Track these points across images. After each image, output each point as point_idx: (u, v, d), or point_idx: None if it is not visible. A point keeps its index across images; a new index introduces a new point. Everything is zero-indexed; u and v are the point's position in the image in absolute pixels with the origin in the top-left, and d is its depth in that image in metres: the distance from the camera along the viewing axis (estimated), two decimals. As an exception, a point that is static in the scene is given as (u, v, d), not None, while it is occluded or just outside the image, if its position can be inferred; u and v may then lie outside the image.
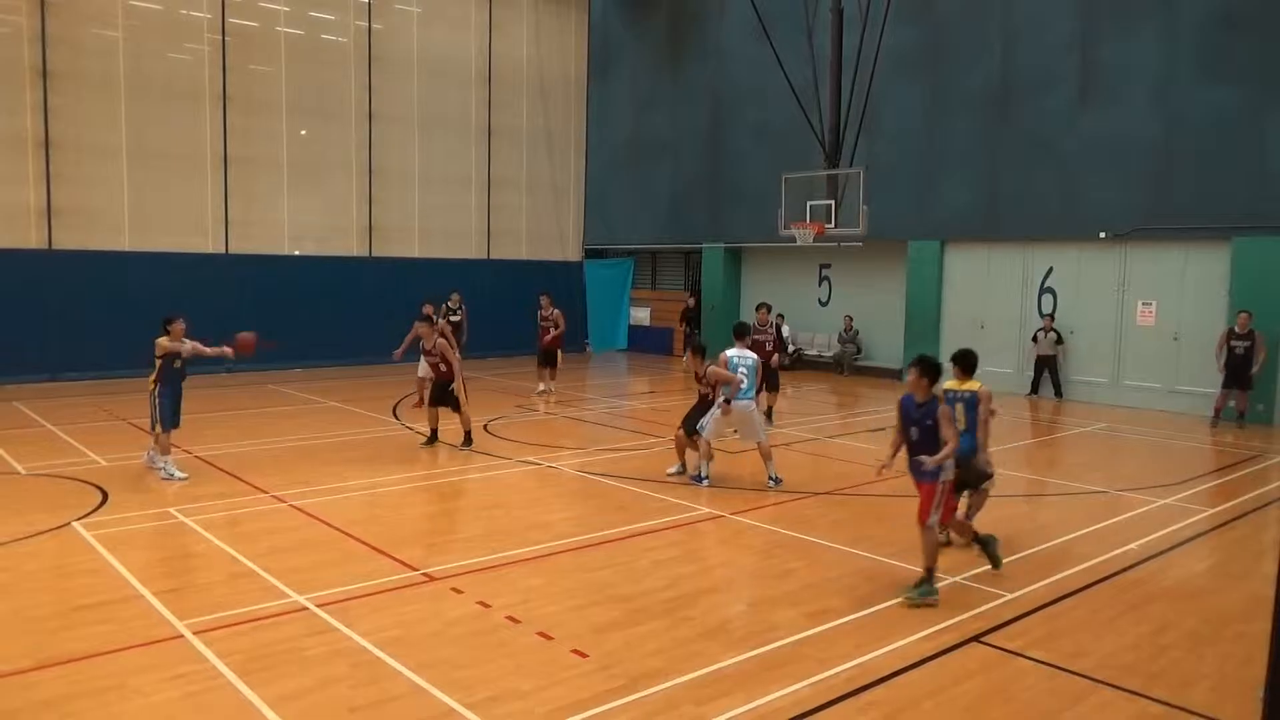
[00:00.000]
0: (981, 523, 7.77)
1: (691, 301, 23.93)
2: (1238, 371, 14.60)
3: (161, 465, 10.06)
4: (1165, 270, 16.26)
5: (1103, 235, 16.60)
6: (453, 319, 18.31)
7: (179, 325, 10.45)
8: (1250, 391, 14.64)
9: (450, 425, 12.24)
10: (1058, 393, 17.43)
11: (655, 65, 24.86)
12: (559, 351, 17.35)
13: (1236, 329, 14.62)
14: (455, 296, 18.67)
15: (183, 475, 9.95)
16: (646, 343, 25.88)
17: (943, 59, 18.84)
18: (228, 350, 10.65)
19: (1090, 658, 5.67)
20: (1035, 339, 17.55)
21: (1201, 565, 7.79)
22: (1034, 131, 17.42)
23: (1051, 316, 17.49)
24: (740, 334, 10.45)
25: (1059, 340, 17.33)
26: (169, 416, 10.02)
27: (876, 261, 20.74)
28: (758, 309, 14.24)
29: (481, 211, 23.99)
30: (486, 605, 6.34)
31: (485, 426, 13.43)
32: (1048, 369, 17.49)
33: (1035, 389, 17.72)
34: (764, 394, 13.25)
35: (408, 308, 21.53)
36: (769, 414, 13.63)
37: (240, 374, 19.18)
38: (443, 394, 11.85)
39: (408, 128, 22.35)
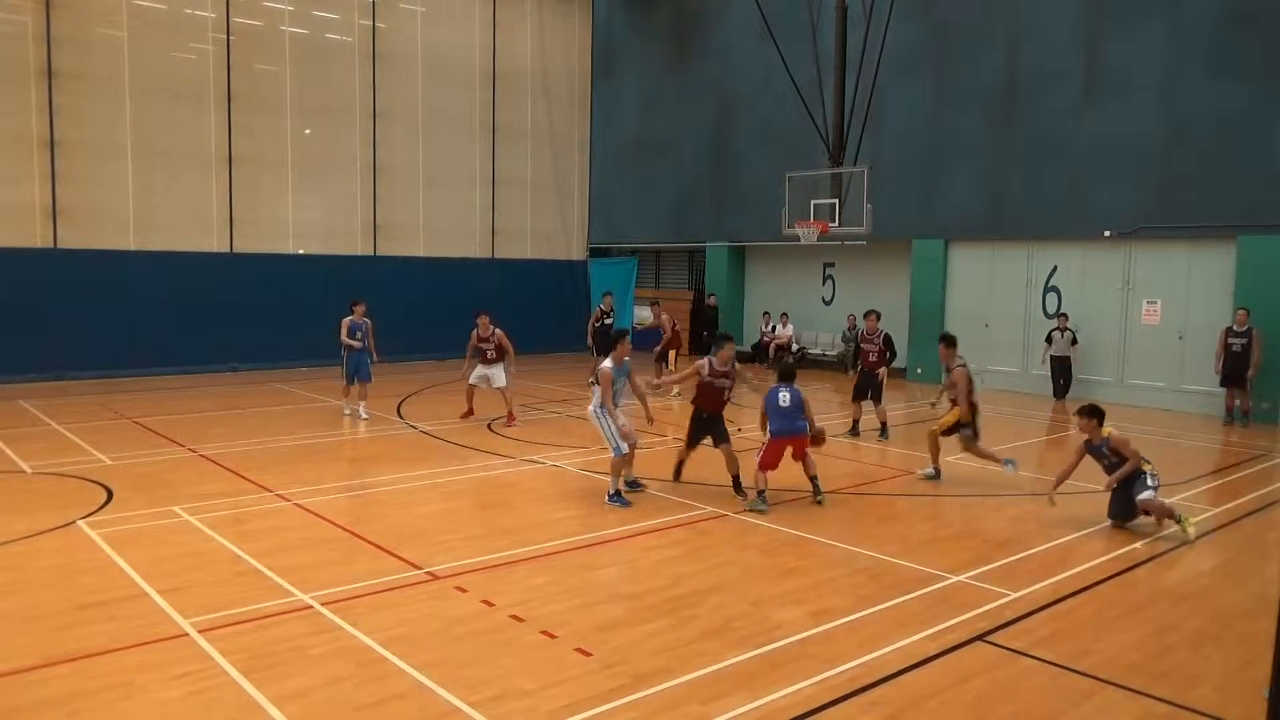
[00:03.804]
0: (987, 520, 7.74)
1: (712, 300, 23.61)
2: (1235, 369, 14.57)
3: (352, 410, 13.92)
4: (1170, 269, 16.22)
5: (1107, 234, 16.56)
6: (607, 321, 17.88)
7: (362, 306, 14.08)
8: (1247, 390, 14.63)
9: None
10: (1062, 393, 17.18)
11: (659, 64, 24.86)
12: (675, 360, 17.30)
13: (1235, 326, 14.59)
14: (608, 299, 18.36)
15: (366, 416, 13.82)
16: (650, 342, 25.87)
17: (947, 57, 18.81)
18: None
19: (1094, 657, 5.66)
20: (1049, 339, 17.10)
21: (1206, 565, 7.76)
22: (1039, 130, 17.39)
23: (1065, 315, 17.10)
24: (614, 343, 9.60)
25: (1074, 340, 16.92)
26: (349, 375, 13.72)
27: (881, 260, 20.72)
28: (867, 315, 13.45)
29: (486, 210, 24.01)
30: (490, 604, 6.34)
31: (489, 425, 13.44)
32: (1061, 370, 17.05)
33: (1058, 392, 17.17)
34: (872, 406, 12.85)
35: (412, 306, 21.79)
36: (883, 429, 12.89)
37: (244, 373, 19.25)
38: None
39: (412, 126, 22.36)
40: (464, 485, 10.11)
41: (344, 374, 13.88)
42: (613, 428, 9.18)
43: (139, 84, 18.49)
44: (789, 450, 9.28)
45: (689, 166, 24.17)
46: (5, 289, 17.14)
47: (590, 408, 9.47)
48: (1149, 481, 8.39)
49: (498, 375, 13.74)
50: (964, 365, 10.40)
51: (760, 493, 9.05)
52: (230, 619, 5.99)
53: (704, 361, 9.69)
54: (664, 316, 17.81)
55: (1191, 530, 8.29)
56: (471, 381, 13.83)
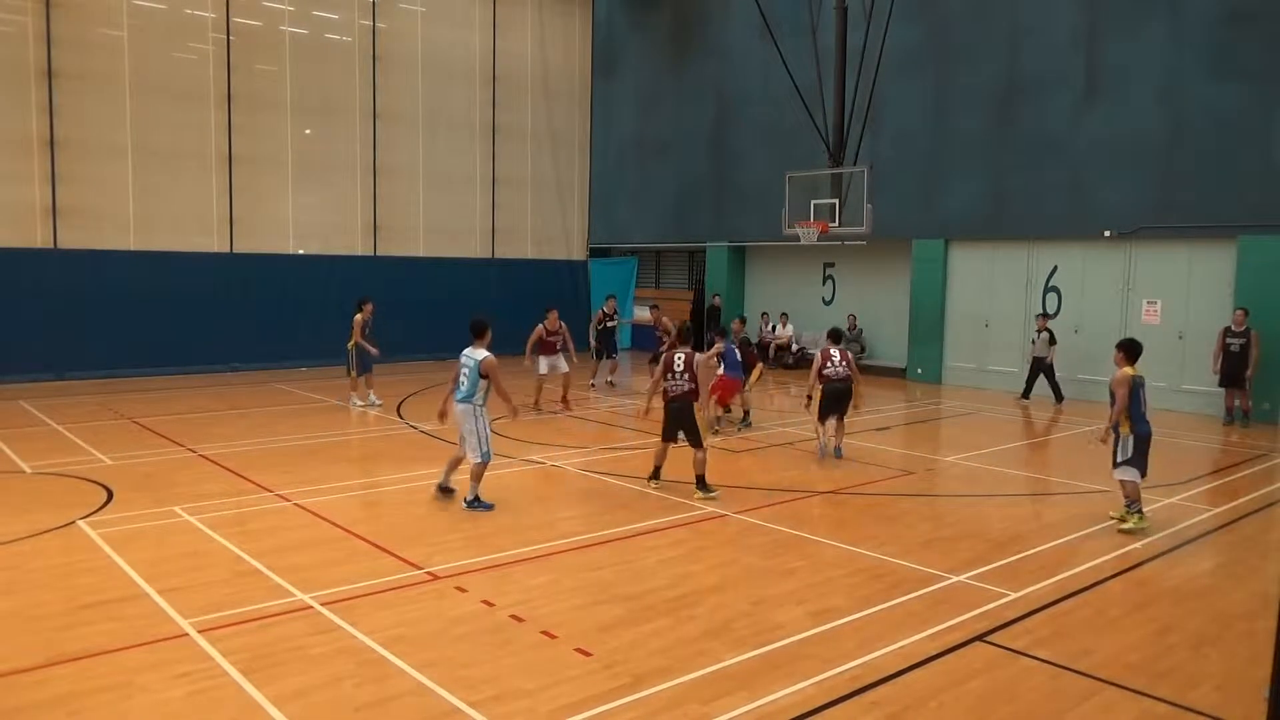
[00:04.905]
0: (987, 520, 7.73)
1: (717, 300, 23.24)
2: (1233, 369, 14.57)
3: (365, 403, 14.90)
4: (1170, 269, 16.22)
5: (1107, 234, 16.55)
6: (610, 324, 18.03)
7: (370, 306, 15.01)
8: (1246, 390, 14.62)
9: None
10: (1057, 396, 16.67)
11: (659, 64, 24.86)
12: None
13: (1233, 326, 14.59)
14: (611, 301, 18.47)
15: (362, 405, 14.79)
16: (650, 342, 25.89)
17: (947, 57, 18.81)
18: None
19: (1095, 657, 5.66)
20: (1034, 340, 16.85)
21: (1207, 564, 7.77)
22: (1039, 130, 17.38)
23: (1045, 316, 16.85)
24: (479, 333, 9.02)
25: (1052, 341, 16.51)
26: (359, 366, 14.71)
27: (881, 260, 20.72)
28: (734, 321, 15.81)
29: (486, 210, 24.01)
30: (490, 604, 6.34)
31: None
32: (1043, 372, 16.58)
33: (1027, 393, 16.87)
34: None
35: (412, 306, 21.80)
36: (745, 415, 13.93)
37: (245, 373, 19.25)
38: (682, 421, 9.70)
39: (412, 127, 22.37)
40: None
41: (356, 367, 14.75)
42: (488, 431, 8.89)
43: (139, 84, 18.49)
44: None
45: (689, 166, 24.17)
46: (5, 289, 17.14)
47: (471, 402, 8.73)
48: (1117, 455, 8.31)
49: (562, 362, 15.21)
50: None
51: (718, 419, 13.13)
52: (230, 619, 5.99)
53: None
54: (665, 320, 17.61)
55: (1130, 526, 8.31)
56: (543, 372, 15.06)
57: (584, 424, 14.23)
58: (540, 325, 15.07)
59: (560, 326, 15.18)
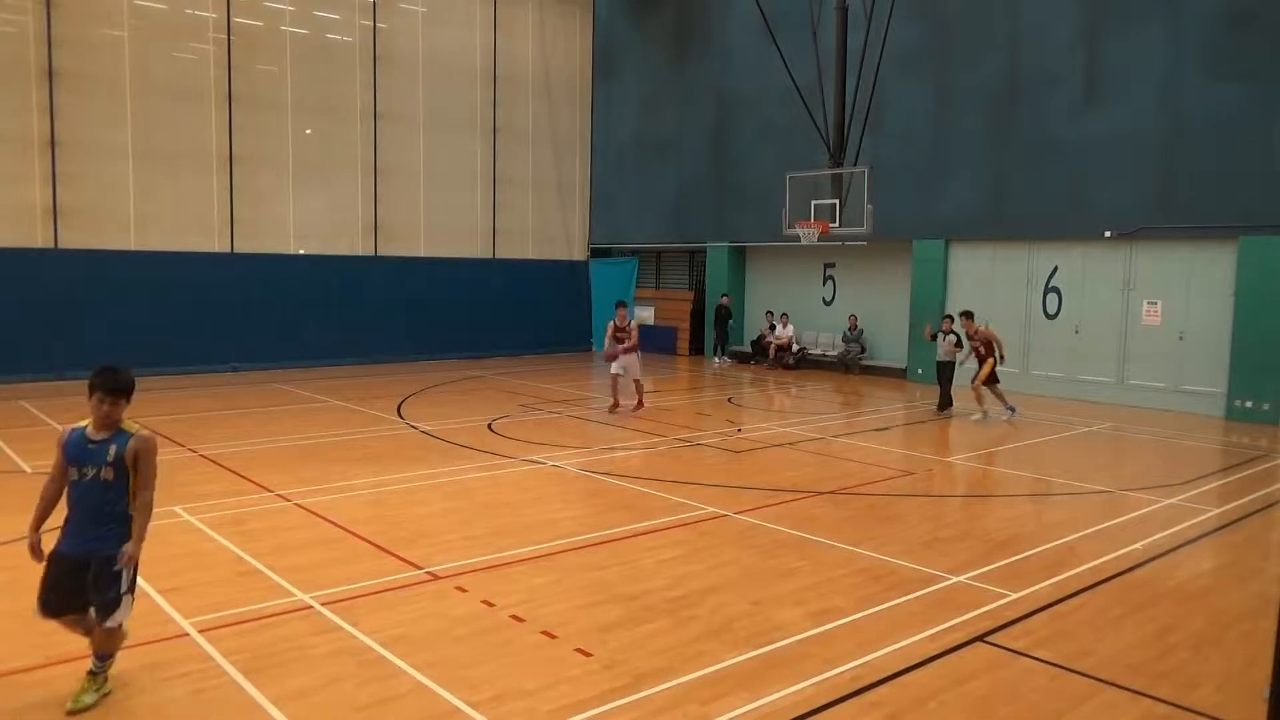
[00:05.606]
0: (987, 520, 7.72)
1: (725, 299, 22.95)
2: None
3: None
4: (1171, 270, 16.22)
5: (1108, 234, 16.56)
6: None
7: None
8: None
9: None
10: (943, 403, 15.36)
11: (660, 64, 24.86)
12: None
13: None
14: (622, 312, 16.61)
15: None
16: (650, 342, 25.87)
17: (948, 57, 18.81)
18: None
19: (1095, 658, 5.66)
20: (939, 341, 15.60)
21: (1207, 565, 7.77)
22: (1039, 130, 17.39)
23: (950, 318, 15.72)
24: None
25: (959, 344, 15.27)
26: None
27: (881, 260, 20.73)
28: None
29: (487, 211, 24.02)
30: (491, 604, 6.34)
31: (490, 425, 13.45)
32: (943, 377, 15.36)
33: (946, 403, 15.43)
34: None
35: (412, 306, 21.82)
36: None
37: (246, 373, 19.25)
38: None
39: (413, 127, 22.37)
40: (464, 485, 10.11)
41: None
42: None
43: (139, 84, 18.50)
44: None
45: (689, 166, 24.17)
46: (5, 289, 17.15)
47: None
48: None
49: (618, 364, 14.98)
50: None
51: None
52: (230, 619, 5.99)
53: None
54: (634, 324, 15.50)
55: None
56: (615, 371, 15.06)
57: (584, 424, 14.23)
58: (610, 322, 15.11)
59: (629, 325, 14.97)
